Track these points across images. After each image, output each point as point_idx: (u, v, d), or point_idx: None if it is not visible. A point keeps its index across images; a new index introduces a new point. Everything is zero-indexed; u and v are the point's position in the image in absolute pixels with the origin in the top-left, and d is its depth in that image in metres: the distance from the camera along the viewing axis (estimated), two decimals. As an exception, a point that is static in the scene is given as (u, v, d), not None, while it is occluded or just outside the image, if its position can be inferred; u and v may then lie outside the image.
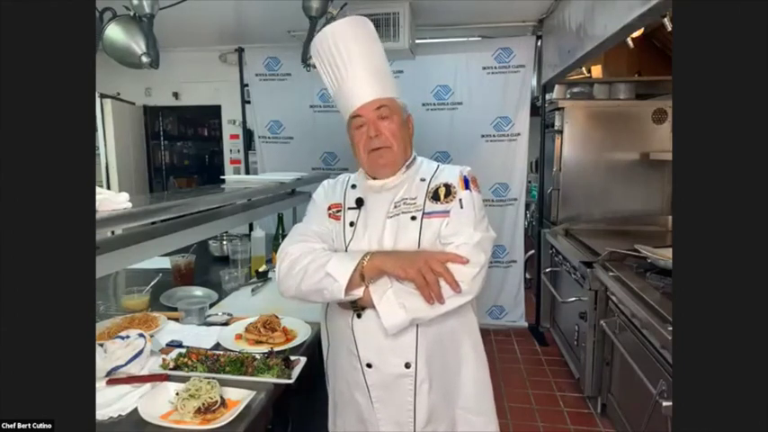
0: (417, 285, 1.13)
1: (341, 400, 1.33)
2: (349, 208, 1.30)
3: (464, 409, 1.29)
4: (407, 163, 1.31)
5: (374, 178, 1.31)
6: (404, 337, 1.20)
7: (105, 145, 3.95)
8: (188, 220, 1.59)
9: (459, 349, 1.29)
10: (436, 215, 1.22)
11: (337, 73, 1.26)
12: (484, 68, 3.56)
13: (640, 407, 1.92)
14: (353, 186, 1.35)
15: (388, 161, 1.27)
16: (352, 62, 1.24)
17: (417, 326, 1.20)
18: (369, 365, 1.23)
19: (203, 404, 1.12)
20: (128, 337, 1.38)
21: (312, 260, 1.20)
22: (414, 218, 1.23)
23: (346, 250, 1.25)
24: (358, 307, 1.20)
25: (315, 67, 1.34)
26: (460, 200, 1.23)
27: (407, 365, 1.21)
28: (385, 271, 1.15)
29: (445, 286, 1.13)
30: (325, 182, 1.42)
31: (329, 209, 1.33)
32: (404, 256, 1.17)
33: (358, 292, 1.16)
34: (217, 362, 1.32)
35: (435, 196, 1.25)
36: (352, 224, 1.28)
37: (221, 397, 1.16)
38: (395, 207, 1.26)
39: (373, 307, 1.16)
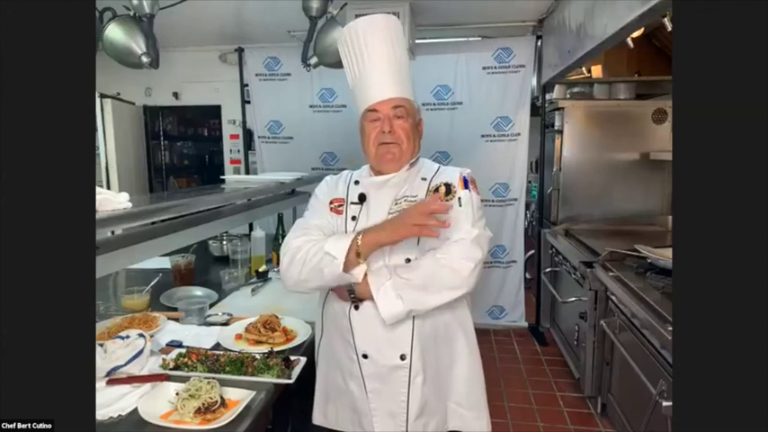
0: (416, 235, 1.16)
1: (334, 389, 1.35)
2: (351, 203, 1.33)
3: (456, 403, 1.32)
4: (412, 162, 1.34)
5: (378, 173, 1.34)
6: (400, 330, 1.23)
7: (105, 145, 3.94)
8: (188, 220, 1.59)
9: (454, 344, 1.31)
10: None
11: (360, 65, 1.30)
12: (484, 68, 3.55)
13: (640, 407, 1.92)
14: (356, 183, 1.38)
15: (395, 156, 1.30)
16: (378, 58, 1.28)
17: (413, 319, 1.23)
18: (365, 356, 1.25)
19: (203, 404, 1.12)
20: (128, 337, 1.38)
21: (312, 246, 1.23)
22: None
23: None
24: (356, 298, 1.23)
25: (315, 66, 1.35)
26: (459, 198, 1.27)
27: (403, 357, 1.24)
28: (380, 243, 1.19)
29: (442, 279, 1.18)
30: (327, 177, 1.45)
31: (331, 203, 1.36)
32: (391, 222, 1.21)
33: (357, 273, 1.18)
34: (217, 362, 1.32)
35: None
36: (354, 218, 1.31)
37: (221, 397, 1.16)
38: (396, 204, 1.29)
39: (372, 298, 1.19)
